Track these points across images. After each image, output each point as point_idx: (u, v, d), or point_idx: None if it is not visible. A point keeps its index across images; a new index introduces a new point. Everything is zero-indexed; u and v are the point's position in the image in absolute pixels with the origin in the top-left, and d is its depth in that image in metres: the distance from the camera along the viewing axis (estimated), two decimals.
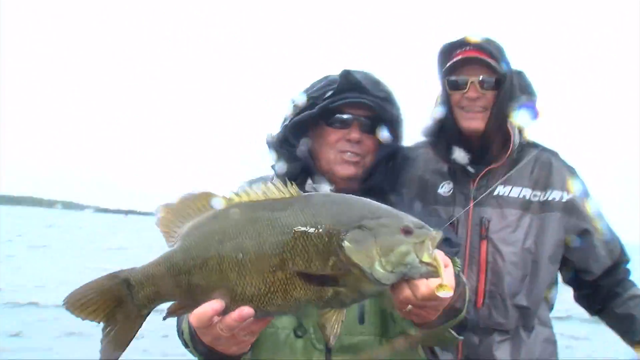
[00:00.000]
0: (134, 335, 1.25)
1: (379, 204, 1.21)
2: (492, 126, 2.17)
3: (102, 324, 1.24)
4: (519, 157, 2.26)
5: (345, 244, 1.11)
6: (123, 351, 1.25)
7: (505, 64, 2.16)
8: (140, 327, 1.26)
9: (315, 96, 1.77)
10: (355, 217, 1.15)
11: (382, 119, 1.75)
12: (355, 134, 1.73)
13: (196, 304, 1.17)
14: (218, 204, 1.21)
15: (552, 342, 2.30)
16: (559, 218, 2.21)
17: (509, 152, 2.20)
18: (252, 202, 1.19)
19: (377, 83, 1.78)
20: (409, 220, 1.16)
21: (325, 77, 1.83)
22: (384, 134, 1.77)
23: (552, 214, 2.20)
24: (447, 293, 1.12)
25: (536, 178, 2.25)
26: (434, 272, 1.12)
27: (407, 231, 1.13)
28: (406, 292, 1.16)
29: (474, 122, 2.18)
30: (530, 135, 2.32)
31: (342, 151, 1.73)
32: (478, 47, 2.16)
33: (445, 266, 1.16)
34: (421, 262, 1.11)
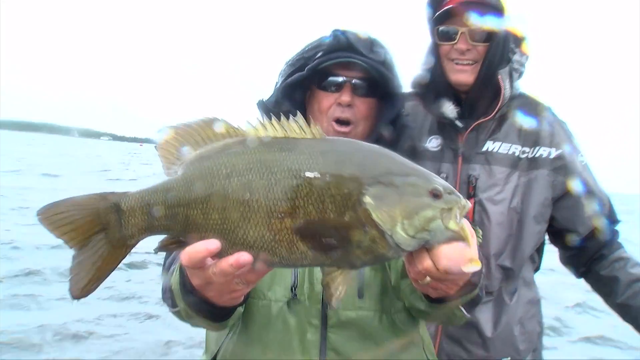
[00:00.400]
0: (114, 268, 1.12)
1: (408, 161, 1.09)
2: (482, 80, 2.09)
3: (72, 250, 1.09)
4: (509, 111, 2.19)
5: (367, 199, 0.99)
6: (99, 283, 1.11)
7: (499, 15, 2.06)
8: (122, 260, 1.12)
9: (306, 57, 1.66)
10: (381, 171, 1.02)
11: (378, 82, 1.63)
12: (346, 97, 1.63)
13: (190, 241, 1.04)
14: (230, 133, 1.07)
15: (535, 302, 2.27)
16: (546, 175, 2.14)
17: (498, 106, 2.13)
18: (269, 137, 1.05)
19: (372, 44, 1.66)
20: (439, 183, 1.04)
21: (320, 38, 1.70)
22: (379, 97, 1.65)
23: (539, 172, 2.14)
24: (475, 267, 1.02)
25: (525, 133, 2.18)
26: (457, 238, 1.01)
27: (435, 195, 1.01)
28: (426, 262, 1.05)
29: (463, 75, 2.11)
30: (521, 88, 2.26)
31: (334, 119, 1.63)
32: None
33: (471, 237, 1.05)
34: (447, 229, 1.00)
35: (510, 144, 2.16)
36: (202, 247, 1.02)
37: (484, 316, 2.12)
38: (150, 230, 1.09)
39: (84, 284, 1.08)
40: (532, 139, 2.16)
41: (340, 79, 1.64)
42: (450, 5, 2.07)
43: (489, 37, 2.06)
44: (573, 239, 2.20)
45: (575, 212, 2.17)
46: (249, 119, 1.07)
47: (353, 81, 1.64)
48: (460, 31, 2.08)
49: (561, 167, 2.15)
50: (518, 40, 2.23)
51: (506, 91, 2.13)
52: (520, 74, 2.22)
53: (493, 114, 2.14)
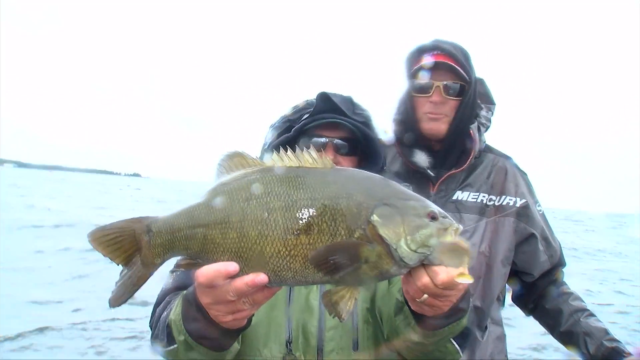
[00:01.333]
0: (144, 283, 1.23)
1: (407, 189, 1.23)
2: (454, 132, 2.23)
3: (118, 266, 1.23)
4: (476, 162, 2.35)
5: (374, 217, 1.12)
6: (131, 296, 1.23)
7: (471, 71, 2.22)
8: (149, 277, 1.23)
9: (292, 119, 1.77)
10: (385, 195, 1.16)
11: (360, 141, 1.74)
12: (329, 157, 1.71)
13: (208, 261, 1.14)
14: (250, 164, 1.20)
15: (502, 338, 2.42)
16: (512, 222, 2.31)
17: (469, 159, 2.28)
18: (284, 167, 1.18)
19: (354, 106, 1.79)
20: (435, 207, 1.18)
21: (305, 101, 1.84)
22: (361, 156, 1.76)
23: (506, 219, 2.30)
24: (467, 280, 1.12)
25: (492, 183, 2.34)
26: (454, 261, 1.12)
27: (432, 217, 1.15)
28: (424, 278, 1.15)
29: (436, 125, 2.24)
30: (486, 140, 2.44)
31: None
32: (446, 52, 2.21)
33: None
34: (443, 247, 1.12)
35: (478, 192, 2.32)
36: (222, 267, 1.11)
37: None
38: (173, 250, 1.19)
39: (122, 297, 1.22)
40: (498, 188, 2.33)
41: (323, 139, 1.74)
42: (427, 62, 2.21)
43: (461, 92, 2.22)
44: (527, 279, 2.40)
45: (533, 256, 2.36)
46: (266, 153, 1.21)
47: (335, 141, 1.74)
48: (435, 85, 2.22)
49: (524, 215, 2.33)
50: (484, 97, 2.43)
51: (477, 145, 2.29)
52: (487, 128, 2.40)
53: (465, 166, 2.29)
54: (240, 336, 1.46)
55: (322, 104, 1.75)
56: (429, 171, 2.28)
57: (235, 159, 1.21)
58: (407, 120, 2.29)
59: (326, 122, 1.72)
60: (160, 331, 1.47)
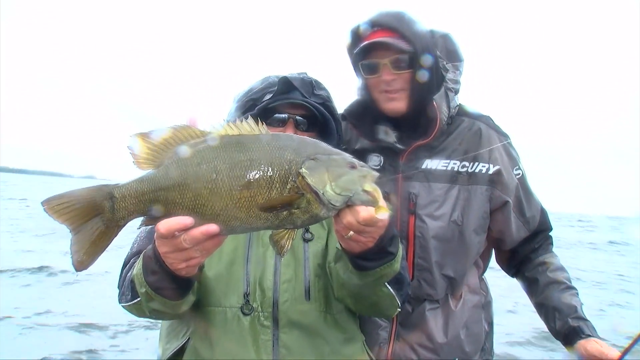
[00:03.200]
0: (108, 245, 1.43)
1: (330, 146, 1.48)
2: (414, 106, 2.17)
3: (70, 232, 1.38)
4: (449, 129, 2.27)
5: (303, 170, 1.37)
6: (95, 259, 1.42)
7: (417, 38, 2.10)
8: (113, 238, 1.43)
9: (254, 98, 1.96)
10: (311, 152, 1.41)
11: (319, 119, 1.95)
12: (289, 132, 1.91)
13: (169, 217, 1.36)
14: (197, 135, 1.43)
15: (480, 306, 2.38)
16: (485, 190, 2.25)
17: (435, 130, 2.22)
18: (227, 135, 1.42)
19: (313, 86, 1.97)
20: (354, 160, 1.44)
21: (266, 79, 2.01)
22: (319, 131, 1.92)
23: (478, 187, 2.24)
24: (384, 214, 1.37)
25: (465, 148, 2.26)
26: (372, 201, 1.38)
27: (352, 166, 1.41)
28: (349, 217, 1.39)
29: (393, 103, 2.18)
30: (458, 103, 2.30)
31: None
32: (385, 26, 2.12)
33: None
34: (363, 190, 1.37)
35: (449, 160, 2.24)
36: (181, 220, 1.35)
37: (434, 323, 2.25)
38: (137, 212, 1.41)
39: (83, 257, 1.40)
40: (471, 154, 2.24)
41: (284, 115, 1.92)
42: (368, 41, 2.13)
43: (411, 62, 2.11)
44: (505, 246, 2.37)
45: (508, 224, 2.30)
46: (212, 124, 1.45)
47: (296, 117, 1.92)
48: (381, 63, 2.14)
49: (498, 182, 2.25)
50: (451, 54, 2.29)
51: (443, 115, 2.21)
52: (456, 91, 2.28)
53: (430, 138, 2.23)
54: (194, 287, 1.69)
55: (284, 87, 1.93)
56: (396, 144, 2.23)
57: (185, 130, 1.44)
58: (365, 100, 2.28)
59: (287, 102, 1.89)
60: (126, 288, 1.71)
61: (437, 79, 2.21)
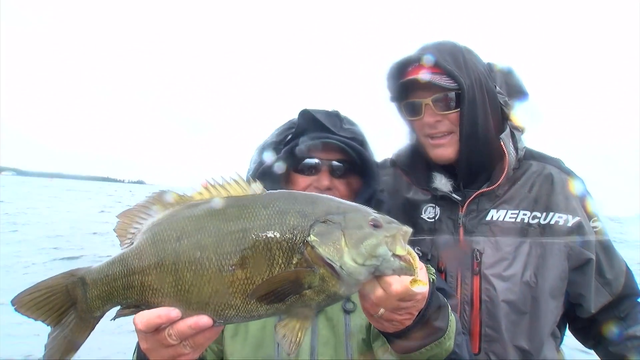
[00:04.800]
0: (84, 341, 1.17)
1: (345, 201, 1.16)
2: (467, 149, 1.85)
3: (50, 327, 1.16)
4: (515, 174, 1.94)
5: (311, 237, 1.05)
6: (71, 356, 1.16)
7: (466, 71, 1.82)
8: (90, 331, 1.17)
9: (277, 141, 1.64)
10: (320, 212, 1.09)
11: (355, 161, 1.60)
12: (325, 181, 1.59)
13: (149, 307, 1.09)
14: (177, 201, 1.15)
15: None
16: (562, 246, 1.88)
17: (504, 175, 1.88)
18: (213, 199, 1.12)
19: (341, 121, 1.64)
20: (377, 214, 1.11)
21: (289, 121, 1.70)
22: (357, 178, 1.62)
23: (554, 241, 1.89)
24: (422, 288, 1.06)
25: (536, 196, 1.92)
26: (407, 268, 1.06)
27: (375, 225, 1.08)
28: (378, 291, 1.08)
29: (439, 150, 1.88)
30: (525, 145, 1.99)
31: None
32: (428, 60, 1.84)
33: (420, 268, 1.09)
34: (394, 255, 1.05)
35: (517, 210, 1.90)
36: (161, 312, 1.06)
37: None
38: (111, 301, 1.14)
39: (58, 358, 1.14)
40: (543, 203, 1.90)
41: (316, 161, 1.60)
42: (403, 80, 1.85)
43: (459, 101, 1.81)
44: (582, 313, 1.96)
45: (587, 288, 1.91)
46: (193, 186, 1.15)
47: (332, 163, 1.60)
48: (423, 103, 1.84)
49: (578, 237, 1.89)
50: (514, 89, 1.99)
51: (511, 156, 1.89)
52: (523, 131, 1.98)
53: (498, 182, 1.89)
54: None
55: (306, 123, 1.61)
56: (453, 194, 1.91)
57: (163, 197, 1.16)
58: (412, 145, 1.99)
59: (313, 143, 1.57)
60: None
61: (497, 117, 1.90)
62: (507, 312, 1.85)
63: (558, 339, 2.03)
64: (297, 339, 1.09)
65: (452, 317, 1.31)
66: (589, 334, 2.03)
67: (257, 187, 1.13)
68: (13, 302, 1.14)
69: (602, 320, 1.95)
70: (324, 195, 1.19)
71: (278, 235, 1.06)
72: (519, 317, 1.86)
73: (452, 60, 1.82)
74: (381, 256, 1.05)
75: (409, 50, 1.91)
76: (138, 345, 1.25)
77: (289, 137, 1.62)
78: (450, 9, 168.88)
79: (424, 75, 1.80)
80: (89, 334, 1.17)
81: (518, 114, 1.94)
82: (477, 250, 1.87)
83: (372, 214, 1.11)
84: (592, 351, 2.08)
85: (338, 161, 1.61)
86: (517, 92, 1.98)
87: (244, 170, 1.72)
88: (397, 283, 1.06)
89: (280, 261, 1.06)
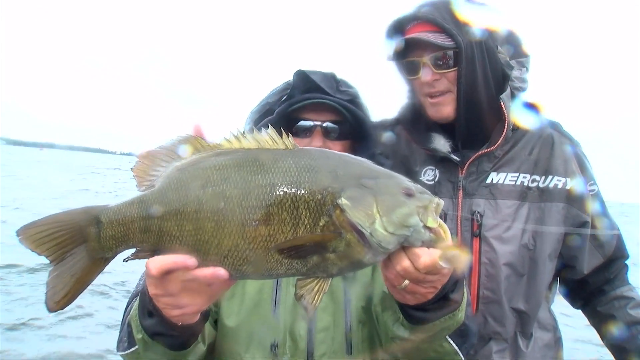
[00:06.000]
0: (91, 281, 1.13)
1: (377, 166, 1.11)
2: (465, 108, 1.83)
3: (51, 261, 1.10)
4: (515, 135, 1.94)
5: (343, 201, 1.01)
6: (75, 298, 1.12)
7: (464, 29, 1.79)
8: (99, 273, 1.13)
9: (271, 102, 1.61)
10: (353, 175, 1.04)
11: (350, 123, 1.57)
12: (318, 143, 1.56)
13: (165, 253, 1.05)
14: (205, 147, 1.10)
15: (552, 346, 2.03)
16: (561, 209, 1.90)
17: (503, 136, 1.87)
18: (242, 149, 1.07)
19: (338, 83, 1.61)
20: (410, 183, 1.07)
21: (283, 83, 1.66)
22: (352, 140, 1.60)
23: (553, 204, 1.89)
24: (461, 257, 1.02)
25: (535, 159, 1.92)
26: (436, 241, 1.02)
27: (408, 194, 1.03)
28: (405, 262, 1.04)
29: (438, 108, 1.87)
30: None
31: None
32: (424, 19, 1.82)
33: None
34: (425, 227, 1.01)
35: (517, 173, 1.90)
36: (177, 259, 1.02)
37: None
38: (125, 243, 1.09)
39: (62, 296, 1.10)
40: (542, 166, 1.91)
41: (310, 123, 1.57)
42: (406, 36, 1.82)
43: (457, 59, 1.79)
44: (574, 275, 1.99)
45: (581, 250, 1.94)
46: (223, 134, 1.10)
47: (324, 124, 1.57)
48: (421, 62, 1.83)
49: (576, 200, 1.90)
50: (515, 50, 1.95)
51: (510, 116, 1.88)
52: (524, 90, 1.94)
53: (497, 144, 1.89)
54: (205, 334, 1.36)
55: (301, 84, 1.57)
56: (452, 155, 1.90)
57: (190, 142, 1.10)
58: (413, 104, 1.96)
59: (309, 103, 1.54)
60: (124, 333, 1.37)
61: (498, 77, 1.87)
62: (506, 274, 1.86)
63: (550, 300, 2.07)
64: (316, 301, 1.06)
65: (465, 290, 1.30)
66: (578, 294, 2.06)
67: (289, 142, 1.08)
68: (18, 233, 1.09)
69: (592, 281, 1.99)
70: (358, 157, 1.13)
71: (307, 194, 1.02)
72: (517, 279, 1.87)
73: (450, 18, 1.79)
74: (412, 226, 1.01)
75: (407, 7, 1.89)
76: (142, 292, 1.22)
77: (284, 97, 1.59)
78: None
79: (421, 34, 1.79)
80: (97, 275, 1.13)
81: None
82: (478, 212, 1.87)
83: (405, 182, 1.06)
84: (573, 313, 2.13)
85: (333, 122, 1.58)
86: (518, 51, 1.96)
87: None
88: (426, 255, 1.02)
89: (306, 221, 1.01)
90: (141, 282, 1.45)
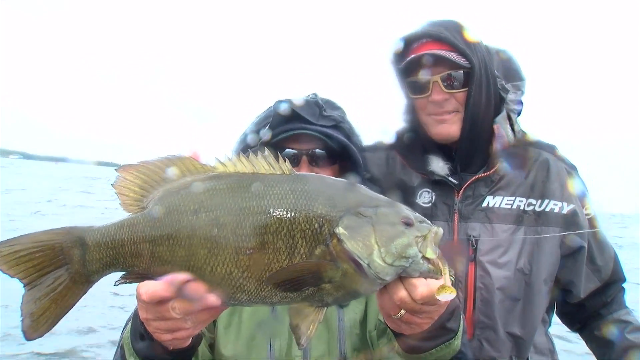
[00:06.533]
0: (73, 305, 1.09)
1: (376, 193, 1.10)
2: (470, 130, 1.83)
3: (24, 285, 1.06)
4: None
5: (340, 230, 0.99)
6: (56, 323, 1.08)
7: (474, 50, 1.79)
8: (81, 297, 1.09)
9: (255, 131, 1.61)
10: (351, 203, 1.02)
11: (336, 149, 1.58)
12: (305, 170, 1.56)
13: (153, 277, 1.03)
14: (198, 170, 1.07)
15: None
16: (557, 233, 1.90)
17: (497, 158, 1.88)
18: (237, 173, 1.05)
19: (321, 108, 1.60)
20: (409, 211, 1.05)
21: (267, 110, 1.65)
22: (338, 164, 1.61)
23: (549, 229, 1.89)
24: (449, 296, 1.01)
25: (532, 182, 1.92)
26: (434, 272, 1.01)
27: (407, 223, 1.02)
28: (402, 292, 1.03)
29: (444, 127, 1.84)
30: (525, 129, 1.99)
31: None
32: (436, 37, 1.80)
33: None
34: (423, 257, 1.00)
35: (513, 197, 1.90)
36: (169, 286, 0.99)
37: None
38: (114, 267, 1.07)
39: (39, 321, 1.05)
40: (539, 189, 1.91)
41: (294, 151, 1.57)
42: (415, 54, 1.80)
43: (467, 80, 1.79)
44: (571, 298, 1.99)
45: (578, 274, 1.94)
46: (217, 156, 1.07)
47: (310, 152, 1.58)
48: (431, 80, 1.80)
49: (572, 224, 1.90)
50: (510, 72, 1.99)
51: (508, 138, 1.89)
52: (519, 113, 1.97)
53: (492, 170, 1.89)
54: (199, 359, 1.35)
55: (279, 116, 1.56)
56: (450, 179, 1.89)
57: (184, 162, 1.07)
58: (412, 126, 1.95)
59: (291, 134, 1.54)
60: (117, 355, 1.35)
61: (497, 100, 1.88)
62: (501, 299, 1.85)
63: (546, 324, 2.05)
64: (310, 331, 1.04)
65: (462, 318, 1.29)
66: (575, 317, 2.05)
67: (286, 167, 1.06)
68: None
69: (589, 305, 1.98)
70: (356, 185, 1.12)
71: (303, 222, 1.00)
72: (513, 304, 1.87)
73: (461, 38, 1.79)
74: (411, 257, 1.00)
75: (408, 28, 1.89)
76: (134, 315, 1.20)
77: (267, 127, 1.59)
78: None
79: (439, 51, 1.77)
80: (80, 298, 1.09)
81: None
82: (473, 236, 1.86)
83: (404, 210, 1.05)
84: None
85: (319, 149, 1.58)
86: (513, 75, 1.99)
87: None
88: (424, 286, 1.01)
89: (302, 250, 0.99)
90: None
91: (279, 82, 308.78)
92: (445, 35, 1.77)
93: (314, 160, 1.57)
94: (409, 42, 1.84)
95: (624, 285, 2.03)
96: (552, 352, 2.03)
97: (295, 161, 1.56)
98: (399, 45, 1.87)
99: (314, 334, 1.05)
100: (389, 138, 2.03)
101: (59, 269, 1.06)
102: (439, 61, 1.77)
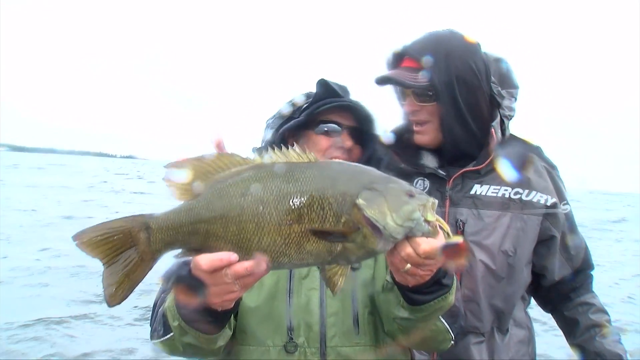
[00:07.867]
0: (143, 277, 1.33)
1: (384, 174, 1.37)
2: (450, 138, 2.06)
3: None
4: (497, 159, 2.12)
5: (360, 201, 1.26)
6: (130, 293, 1.32)
7: (447, 69, 1.97)
8: (150, 269, 1.34)
9: (294, 110, 1.87)
10: (366, 181, 1.30)
11: (364, 128, 1.87)
12: (348, 142, 1.84)
13: (207, 251, 1.27)
14: (239, 162, 1.32)
15: (526, 342, 2.28)
16: (539, 222, 2.15)
17: (489, 160, 2.11)
18: (274, 163, 1.31)
19: (348, 93, 1.90)
20: (411, 187, 1.34)
21: (303, 94, 1.93)
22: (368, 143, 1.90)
23: (534, 217, 2.14)
24: (457, 239, 1.28)
25: (519, 177, 2.13)
26: (433, 232, 1.29)
27: (410, 195, 1.30)
28: (408, 249, 1.29)
29: (418, 137, 2.10)
30: (509, 131, 2.22)
31: (332, 158, 1.84)
32: (414, 55, 2.02)
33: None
34: (425, 220, 1.28)
35: (499, 186, 2.12)
36: (225, 256, 1.24)
37: (477, 355, 2.15)
38: (174, 244, 1.31)
39: (117, 291, 1.31)
40: (525, 181, 2.14)
41: (337, 126, 1.83)
42: (385, 74, 2.06)
43: (439, 95, 1.98)
44: (544, 282, 2.27)
45: (551, 260, 2.21)
46: (254, 151, 1.32)
47: (352, 126, 1.85)
48: (406, 92, 2.05)
49: (552, 215, 2.16)
50: (505, 79, 2.18)
51: (494, 142, 2.10)
52: (510, 118, 2.19)
53: (483, 165, 2.12)
54: (231, 322, 1.58)
55: (324, 91, 1.84)
56: (439, 171, 2.12)
57: (225, 158, 1.33)
58: (405, 126, 2.19)
59: (337, 105, 1.81)
60: (158, 323, 1.60)
61: (487, 106, 2.09)
62: (484, 276, 2.10)
63: (526, 301, 2.34)
64: (340, 282, 1.32)
65: (454, 277, 1.56)
66: (548, 300, 2.34)
67: (312, 157, 1.33)
68: (74, 238, 1.27)
69: (560, 289, 2.27)
70: (369, 167, 1.38)
71: (331, 197, 1.26)
72: (496, 281, 2.11)
73: (432, 56, 1.97)
74: (415, 220, 1.26)
75: (409, 38, 2.10)
76: None
77: (306, 105, 1.84)
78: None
79: (397, 73, 2.02)
80: (147, 272, 1.33)
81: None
82: (460, 220, 2.11)
83: (407, 185, 1.33)
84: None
85: (355, 127, 1.87)
86: (508, 82, 2.18)
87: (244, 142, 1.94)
88: (426, 243, 1.28)
89: (331, 220, 1.26)
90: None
91: (273, 76, 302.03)
92: (419, 55, 1.98)
93: (353, 135, 1.85)
94: (396, 57, 2.10)
95: (592, 272, 2.32)
96: (529, 327, 2.32)
97: (338, 132, 1.84)
98: (390, 57, 2.12)
99: (342, 284, 1.32)
100: (387, 138, 2.24)
101: (129, 249, 1.30)
102: (413, 75, 1.99)
